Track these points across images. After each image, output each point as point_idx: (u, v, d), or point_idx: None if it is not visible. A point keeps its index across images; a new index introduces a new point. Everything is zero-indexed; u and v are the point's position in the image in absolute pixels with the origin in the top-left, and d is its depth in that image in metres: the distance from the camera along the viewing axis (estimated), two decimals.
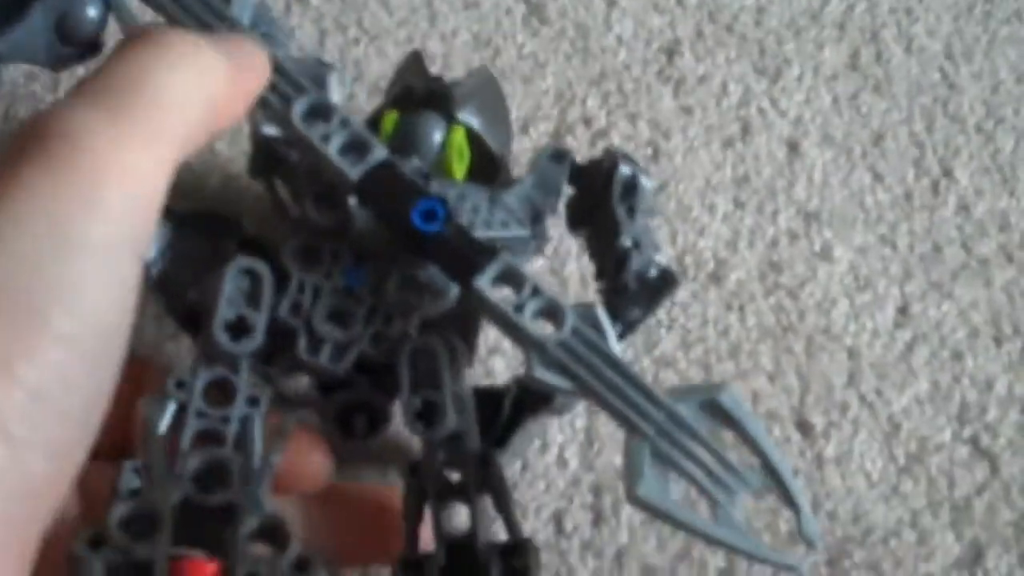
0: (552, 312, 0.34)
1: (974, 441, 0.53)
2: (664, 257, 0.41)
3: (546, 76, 0.62)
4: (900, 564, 0.49)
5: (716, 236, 0.57)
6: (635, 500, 0.33)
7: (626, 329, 0.39)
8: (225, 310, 0.35)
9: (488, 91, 0.44)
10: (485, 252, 0.34)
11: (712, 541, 0.33)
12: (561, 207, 0.42)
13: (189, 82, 0.30)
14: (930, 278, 0.58)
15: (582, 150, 0.59)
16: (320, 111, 0.36)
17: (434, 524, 0.34)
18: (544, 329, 0.33)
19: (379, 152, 0.35)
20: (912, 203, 0.60)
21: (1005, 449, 0.52)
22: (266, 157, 0.40)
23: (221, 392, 0.34)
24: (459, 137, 0.40)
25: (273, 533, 0.32)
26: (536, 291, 0.34)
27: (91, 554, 0.30)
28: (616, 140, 0.60)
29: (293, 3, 0.63)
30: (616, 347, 0.34)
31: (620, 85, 0.62)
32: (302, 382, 0.39)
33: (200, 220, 0.38)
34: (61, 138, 0.28)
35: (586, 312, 0.34)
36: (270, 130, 0.39)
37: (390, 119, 0.40)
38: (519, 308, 0.33)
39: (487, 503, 0.35)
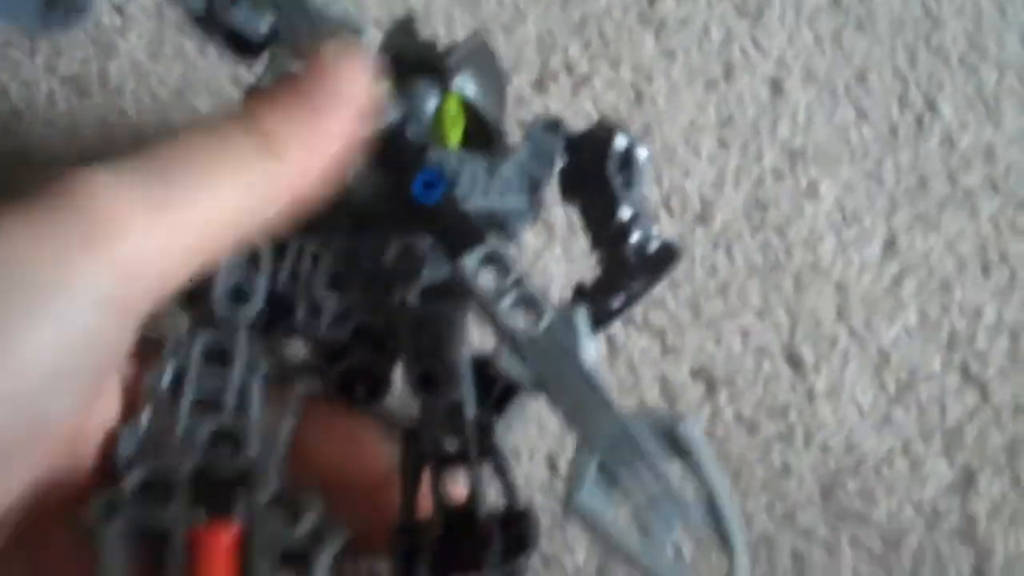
0: (531, 305, 0.34)
1: (964, 369, 0.53)
2: (660, 229, 0.41)
3: (527, 24, 0.62)
4: (893, 491, 0.50)
5: (702, 177, 0.57)
6: (572, 509, 0.33)
7: (627, 302, 0.39)
8: (225, 277, 0.35)
9: (482, 58, 0.43)
10: (475, 231, 0.34)
11: (637, 566, 0.32)
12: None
13: (236, 184, 0.30)
14: (916, 210, 0.58)
15: (565, 97, 0.59)
16: None
17: (433, 490, 0.34)
18: (519, 321, 0.33)
19: (392, 112, 0.35)
20: (897, 138, 0.60)
21: (995, 376, 0.53)
22: None
23: (219, 361, 0.34)
24: (453, 105, 0.40)
25: (290, 502, 0.32)
26: (519, 281, 0.33)
27: (106, 522, 0.31)
28: (598, 85, 0.60)
29: None
30: (590, 354, 0.33)
31: (601, 31, 0.62)
32: (302, 350, 0.39)
33: None
34: (77, 191, 0.29)
35: (566, 314, 0.33)
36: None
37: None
38: (499, 294, 0.33)
39: (486, 470, 0.35)
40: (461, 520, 0.33)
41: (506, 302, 0.33)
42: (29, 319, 0.27)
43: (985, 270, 0.56)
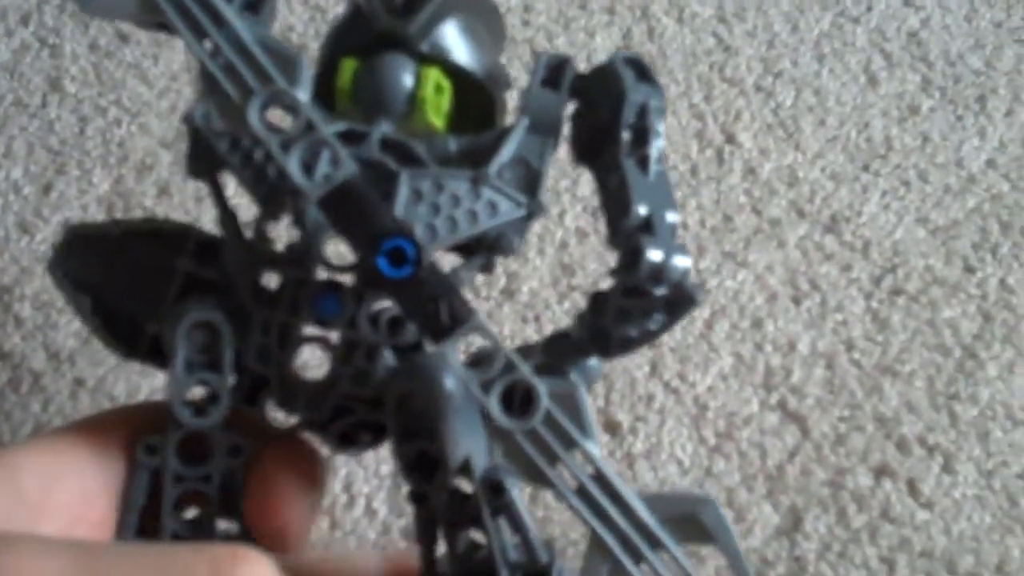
0: (524, 392, 0.31)
1: (782, 406, 0.53)
2: (683, 253, 0.33)
3: None
4: None
5: None
6: None
7: (644, 337, 0.34)
8: (184, 379, 0.32)
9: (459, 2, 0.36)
10: (456, 315, 0.30)
11: None
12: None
13: None
14: (723, 249, 0.58)
15: None
16: (284, 107, 0.30)
17: (449, 552, 0.32)
18: (510, 418, 0.31)
19: (347, 166, 0.30)
20: (698, 176, 0.60)
21: (813, 408, 0.53)
22: (207, 151, 0.34)
23: (198, 445, 0.32)
24: (432, 79, 0.34)
25: None
26: (510, 367, 0.30)
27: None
28: None
29: (49, 93, 0.62)
30: (594, 430, 0.31)
31: None
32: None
33: (141, 237, 0.34)
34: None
35: (564, 392, 0.31)
36: (206, 120, 0.33)
37: (348, 66, 0.34)
38: (487, 386, 0.30)
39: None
40: None
41: (495, 393, 0.31)
42: None
43: (796, 300, 0.56)
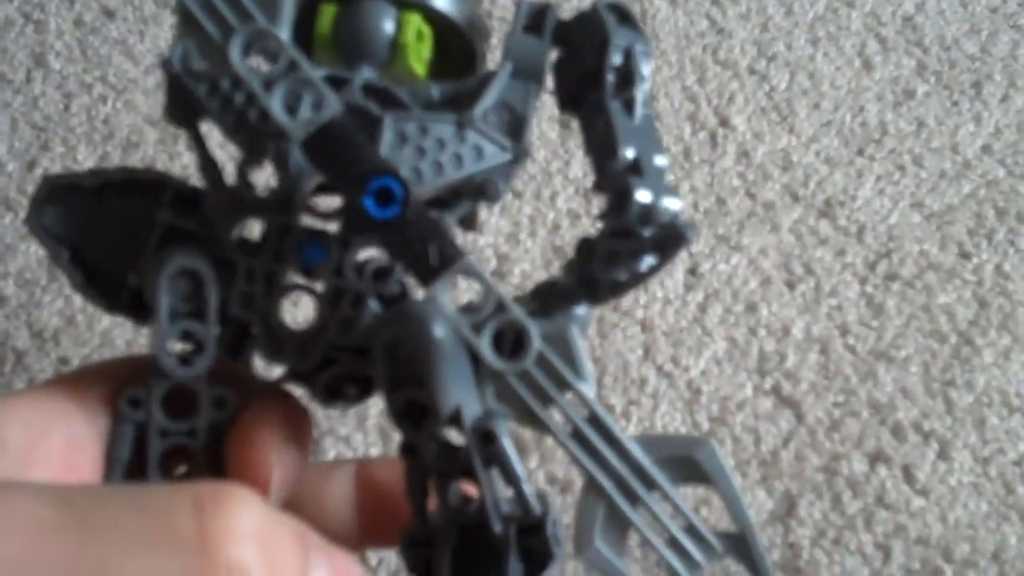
0: (516, 334, 0.30)
1: (776, 391, 0.52)
2: (673, 195, 0.32)
3: None
4: None
5: (495, 230, 0.56)
6: (583, 560, 0.31)
7: (634, 280, 0.33)
8: (168, 328, 0.31)
9: None
10: (446, 256, 0.30)
11: None
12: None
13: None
14: (717, 233, 0.57)
15: None
16: (266, 47, 0.30)
17: (440, 504, 0.31)
18: (502, 358, 0.30)
19: (331, 106, 0.30)
20: (691, 159, 0.60)
21: (807, 393, 0.52)
22: (185, 97, 0.32)
23: (182, 399, 0.31)
24: (413, 25, 0.33)
25: None
26: (500, 307, 0.30)
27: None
28: None
29: (33, 69, 0.61)
30: (588, 376, 0.30)
31: None
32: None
33: (119, 188, 0.33)
34: None
35: (556, 333, 0.30)
36: (184, 63, 0.31)
37: (328, 12, 0.33)
38: (478, 328, 0.30)
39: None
40: (475, 531, 0.30)
41: (487, 335, 0.30)
42: None
43: (790, 284, 0.56)
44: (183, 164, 0.58)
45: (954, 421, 0.51)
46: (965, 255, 0.57)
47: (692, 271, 0.55)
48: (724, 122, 0.61)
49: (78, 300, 0.51)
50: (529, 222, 0.56)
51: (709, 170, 0.59)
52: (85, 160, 0.57)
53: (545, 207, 0.57)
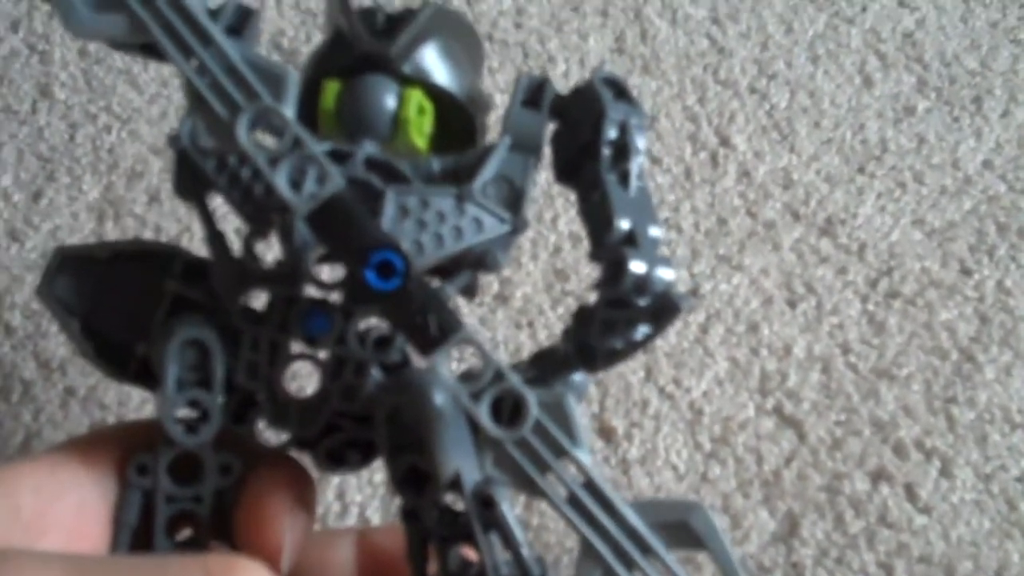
0: (513, 402, 0.31)
1: (778, 411, 0.52)
2: (667, 266, 0.34)
3: None
4: None
5: None
6: None
7: (630, 347, 0.34)
8: (175, 396, 0.32)
9: (441, 22, 0.37)
10: (446, 326, 0.30)
11: None
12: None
13: None
14: (718, 253, 0.57)
15: None
16: (271, 124, 0.30)
17: (441, 568, 0.32)
18: (500, 428, 0.31)
19: (334, 180, 0.30)
20: (692, 180, 0.60)
21: (809, 413, 0.52)
22: (194, 172, 0.33)
23: (188, 465, 0.32)
24: (415, 100, 0.34)
25: None
26: (498, 376, 0.31)
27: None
28: None
29: (39, 100, 0.61)
30: (584, 439, 0.31)
31: None
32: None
33: (130, 259, 0.34)
34: None
35: (553, 401, 0.31)
36: (192, 139, 0.33)
37: (332, 88, 0.34)
38: (477, 396, 0.30)
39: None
40: None
41: (485, 404, 0.31)
42: None
43: (791, 304, 0.56)
44: None
45: (956, 438, 0.51)
46: (966, 271, 0.57)
47: (693, 292, 0.56)
48: (725, 141, 0.61)
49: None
50: (531, 245, 0.56)
51: (710, 190, 0.59)
52: (90, 190, 0.58)
53: (547, 230, 0.57)
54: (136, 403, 0.51)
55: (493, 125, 0.36)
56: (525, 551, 0.31)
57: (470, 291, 0.34)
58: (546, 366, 0.34)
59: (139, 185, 0.58)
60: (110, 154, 0.59)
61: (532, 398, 0.31)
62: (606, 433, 0.52)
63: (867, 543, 0.48)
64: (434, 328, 0.30)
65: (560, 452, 0.31)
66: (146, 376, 0.34)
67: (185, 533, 0.33)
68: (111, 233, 0.56)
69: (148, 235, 0.57)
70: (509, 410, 0.31)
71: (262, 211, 0.33)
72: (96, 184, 0.58)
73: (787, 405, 0.52)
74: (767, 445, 0.51)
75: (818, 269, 0.57)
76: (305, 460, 0.34)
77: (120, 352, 0.34)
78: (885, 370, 0.53)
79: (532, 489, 0.31)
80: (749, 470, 0.51)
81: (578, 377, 0.34)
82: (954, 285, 0.56)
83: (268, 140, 0.30)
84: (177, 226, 0.57)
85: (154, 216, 0.57)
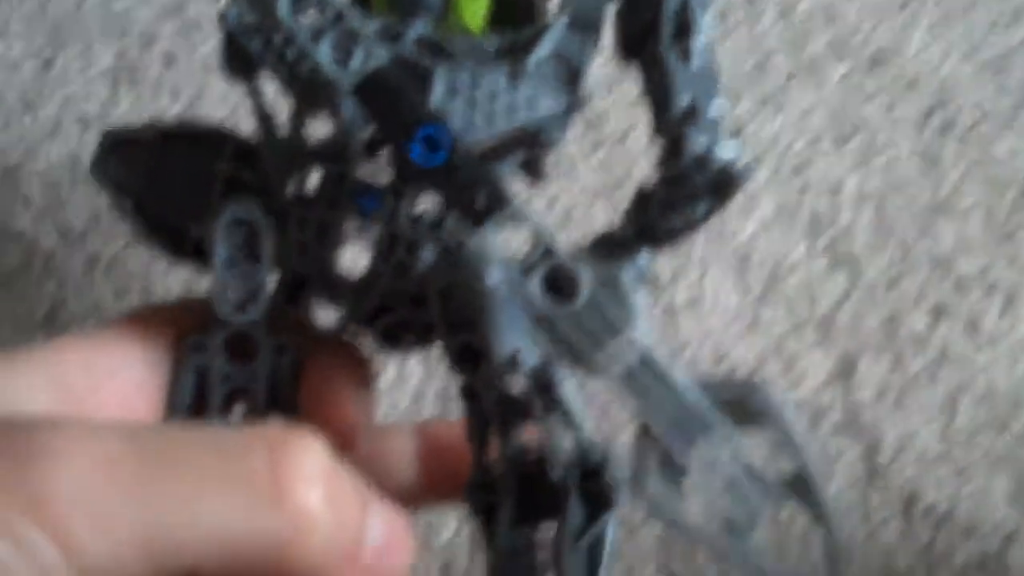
0: (566, 278, 0.30)
1: (830, 250, 0.50)
2: (728, 135, 0.33)
3: None
4: None
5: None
6: (642, 503, 0.30)
7: (689, 225, 0.33)
8: (223, 275, 0.32)
9: None
10: (494, 195, 0.30)
11: (725, 560, 0.30)
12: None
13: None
14: (763, 92, 0.55)
15: None
16: (315, 1, 0.30)
17: (501, 451, 0.31)
18: (552, 301, 0.30)
19: (378, 56, 0.30)
20: (727, 21, 0.57)
21: (863, 252, 0.50)
22: (241, 52, 0.33)
23: (242, 346, 0.32)
24: None
25: None
26: (548, 252, 0.30)
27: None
28: None
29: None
30: (641, 322, 0.30)
31: None
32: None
33: (178, 140, 0.34)
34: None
35: (609, 276, 0.30)
36: (239, 19, 0.32)
37: None
38: (527, 271, 0.30)
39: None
40: (537, 476, 0.30)
41: (535, 279, 0.30)
42: None
43: (839, 142, 0.53)
44: (203, 55, 0.56)
45: (1019, 270, 0.49)
46: (1021, 103, 0.55)
47: (735, 134, 0.53)
48: None
49: (104, 198, 0.50)
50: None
51: (748, 30, 0.56)
52: (102, 56, 0.56)
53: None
54: (162, 269, 0.50)
55: (553, 6, 0.34)
56: (587, 432, 0.30)
57: (535, 171, 0.33)
58: (607, 249, 0.33)
59: (153, 49, 0.56)
60: (121, 19, 0.57)
61: (585, 273, 0.30)
62: (649, 279, 0.49)
63: (928, 380, 0.47)
64: (481, 204, 0.30)
65: (615, 329, 0.30)
66: (202, 254, 0.33)
67: (238, 411, 0.33)
68: (126, 98, 0.55)
69: (165, 99, 0.55)
70: (561, 286, 0.30)
71: (309, 88, 0.32)
72: (107, 50, 0.56)
73: (840, 245, 0.50)
74: (820, 285, 0.49)
75: (866, 105, 0.54)
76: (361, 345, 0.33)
77: (175, 232, 0.34)
78: (941, 205, 0.51)
79: (586, 365, 0.30)
80: (802, 312, 0.49)
81: (641, 260, 0.33)
82: (1010, 116, 0.54)
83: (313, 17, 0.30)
84: (194, 88, 0.55)
85: (171, 79, 0.55)
